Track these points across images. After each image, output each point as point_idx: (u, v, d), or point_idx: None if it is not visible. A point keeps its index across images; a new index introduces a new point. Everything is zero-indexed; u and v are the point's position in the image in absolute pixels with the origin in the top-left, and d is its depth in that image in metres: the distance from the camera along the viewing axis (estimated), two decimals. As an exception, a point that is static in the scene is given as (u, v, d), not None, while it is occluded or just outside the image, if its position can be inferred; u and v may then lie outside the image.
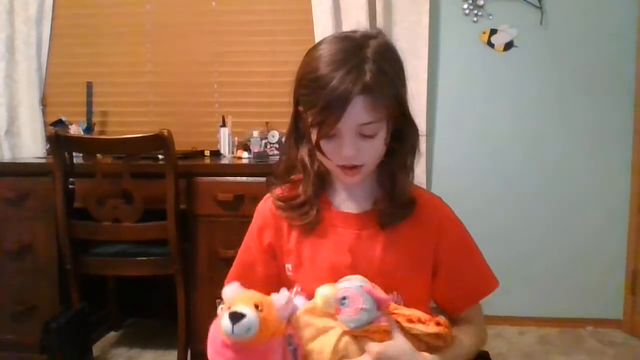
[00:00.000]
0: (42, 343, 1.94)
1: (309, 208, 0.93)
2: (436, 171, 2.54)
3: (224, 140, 2.47)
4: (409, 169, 0.93)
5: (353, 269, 0.87)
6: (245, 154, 2.40)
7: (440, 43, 2.51)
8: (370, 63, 0.83)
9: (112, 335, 2.45)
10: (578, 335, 2.42)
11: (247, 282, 0.97)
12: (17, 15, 2.57)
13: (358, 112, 0.82)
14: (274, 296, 0.79)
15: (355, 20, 2.40)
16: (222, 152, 2.48)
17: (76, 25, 2.68)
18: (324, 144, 0.87)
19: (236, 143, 2.50)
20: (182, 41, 2.65)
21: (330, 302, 0.78)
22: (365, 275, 0.85)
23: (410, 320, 0.81)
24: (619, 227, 2.49)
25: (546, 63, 2.47)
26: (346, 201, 0.95)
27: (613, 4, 2.42)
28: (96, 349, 2.22)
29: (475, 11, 2.46)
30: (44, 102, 2.67)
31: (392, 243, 0.90)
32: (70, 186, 1.99)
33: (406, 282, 0.90)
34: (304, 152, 0.95)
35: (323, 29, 2.40)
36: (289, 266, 0.95)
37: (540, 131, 2.50)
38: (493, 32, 2.47)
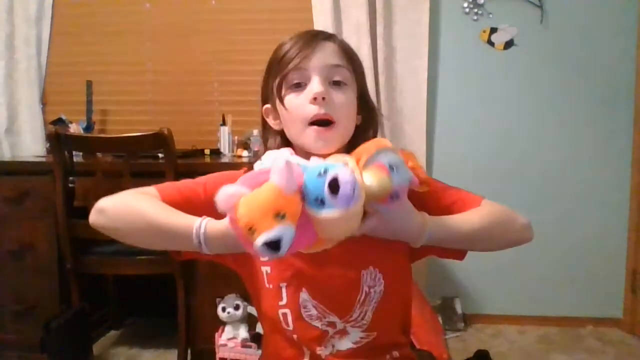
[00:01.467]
0: (42, 343, 1.93)
1: None
2: (436, 170, 2.54)
3: (224, 139, 2.47)
4: None
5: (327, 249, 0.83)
6: (245, 153, 2.40)
7: (440, 42, 2.50)
8: (336, 35, 0.92)
9: (112, 335, 2.45)
10: (578, 334, 2.42)
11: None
12: (17, 14, 2.57)
13: (327, 53, 0.86)
14: (274, 174, 0.65)
15: (355, 20, 2.40)
16: (222, 150, 2.47)
17: (76, 24, 2.68)
18: (291, 99, 0.85)
19: (236, 142, 2.50)
20: (182, 40, 2.65)
21: (386, 183, 0.69)
22: (340, 253, 0.79)
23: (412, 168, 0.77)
24: (619, 226, 2.49)
25: (546, 62, 2.47)
26: None
27: (613, 3, 2.42)
28: (96, 348, 2.22)
29: (476, 10, 2.46)
30: (44, 101, 2.67)
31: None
32: (71, 185, 1.98)
33: (381, 257, 0.87)
34: (270, 148, 0.89)
35: (323, 28, 2.40)
36: None
37: (540, 130, 2.50)
38: (493, 30, 2.47)
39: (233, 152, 2.48)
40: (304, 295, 0.86)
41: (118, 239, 0.84)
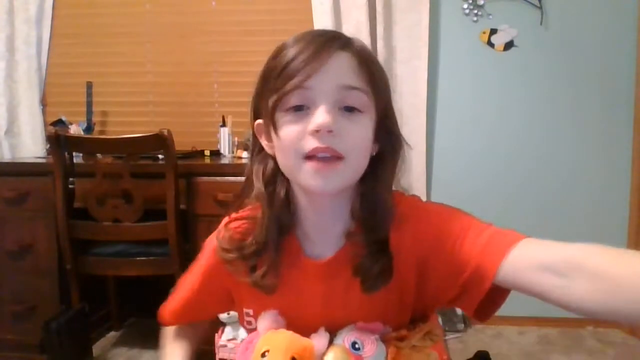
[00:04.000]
0: (42, 343, 1.94)
1: (257, 260, 0.73)
2: (436, 170, 2.54)
3: (224, 140, 2.47)
4: (391, 189, 0.74)
5: (329, 323, 0.74)
6: (245, 154, 2.40)
7: (440, 43, 2.51)
8: (355, 41, 0.72)
9: (112, 335, 2.45)
10: (578, 335, 2.42)
11: (195, 319, 0.90)
12: (17, 15, 2.57)
13: (342, 69, 0.66)
14: (315, 338, 0.70)
15: (355, 20, 2.40)
16: (222, 152, 2.48)
17: (76, 25, 2.68)
18: (287, 127, 0.66)
19: (236, 143, 2.50)
20: (182, 41, 2.65)
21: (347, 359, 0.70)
22: (344, 324, 0.74)
23: (401, 337, 0.76)
24: (619, 226, 2.49)
25: (546, 63, 2.47)
26: (317, 242, 0.76)
27: (613, 4, 2.42)
28: (96, 349, 2.22)
29: (475, 11, 2.46)
30: (44, 102, 2.67)
31: (362, 298, 0.74)
32: (70, 186, 1.99)
33: (391, 317, 0.76)
34: (259, 176, 0.74)
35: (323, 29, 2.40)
36: (249, 311, 0.80)
37: (540, 131, 2.50)
38: (493, 31, 2.47)
39: (233, 153, 2.48)
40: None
41: None
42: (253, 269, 0.74)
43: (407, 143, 0.75)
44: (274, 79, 0.67)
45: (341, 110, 0.67)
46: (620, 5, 2.42)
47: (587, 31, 2.44)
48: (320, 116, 0.64)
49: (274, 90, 0.67)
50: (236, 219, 0.77)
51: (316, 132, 0.65)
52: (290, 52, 0.67)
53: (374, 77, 0.70)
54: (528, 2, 2.43)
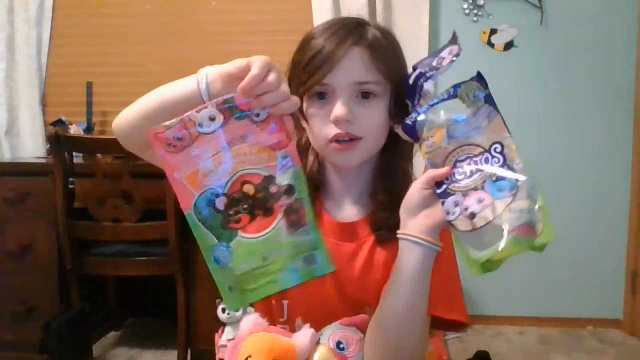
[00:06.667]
0: (42, 343, 1.93)
1: None
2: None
3: (224, 140, 2.47)
4: (409, 161, 0.86)
5: (332, 284, 0.82)
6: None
7: (440, 43, 2.51)
8: (372, 28, 0.80)
9: (112, 335, 2.44)
10: (578, 335, 2.42)
11: None
12: (17, 15, 2.57)
13: (355, 65, 0.76)
14: (297, 338, 0.74)
15: (355, 20, 2.40)
16: (222, 152, 2.47)
17: (76, 25, 2.68)
18: (312, 112, 0.79)
19: (236, 143, 2.50)
20: (182, 42, 2.65)
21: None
22: (342, 287, 0.81)
23: None
24: (619, 227, 2.49)
25: (546, 63, 2.47)
26: (342, 206, 0.86)
27: (613, 4, 2.43)
28: (96, 349, 2.22)
29: (475, 11, 2.46)
30: (44, 102, 2.67)
31: (374, 257, 0.82)
32: (70, 186, 1.99)
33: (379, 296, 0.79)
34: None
35: (323, 29, 2.41)
36: None
37: (540, 130, 2.50)
38: (493, 31, 2.47)
39: (233, 153, 2.47)
40: (298, 321, 0.84)
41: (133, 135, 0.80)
42: None
43: None
44: (300, 72, 0.78)
45: (358, 97, 0.78)
46: (620, 5, 2.42)
47: (587, 31, 2.44)
48: (338, 109, 0.76)
49: (300, 83, 0.78)
50: None
51: (335, 121, 0.76)
52: (314, 47, 0.77)
53: (387, 65, 0.79)
54: (528, 2, 2.43)
